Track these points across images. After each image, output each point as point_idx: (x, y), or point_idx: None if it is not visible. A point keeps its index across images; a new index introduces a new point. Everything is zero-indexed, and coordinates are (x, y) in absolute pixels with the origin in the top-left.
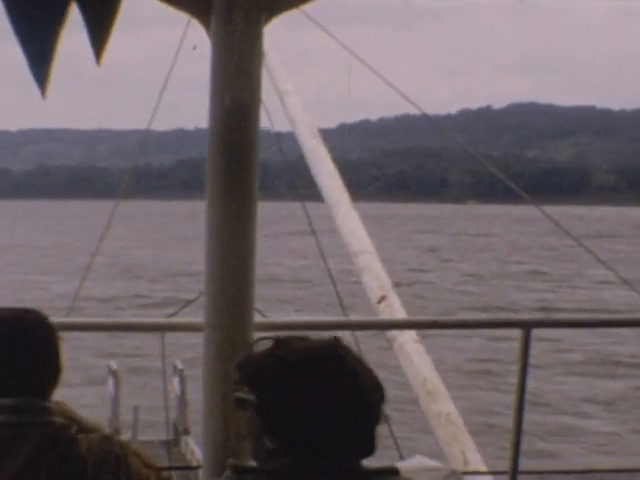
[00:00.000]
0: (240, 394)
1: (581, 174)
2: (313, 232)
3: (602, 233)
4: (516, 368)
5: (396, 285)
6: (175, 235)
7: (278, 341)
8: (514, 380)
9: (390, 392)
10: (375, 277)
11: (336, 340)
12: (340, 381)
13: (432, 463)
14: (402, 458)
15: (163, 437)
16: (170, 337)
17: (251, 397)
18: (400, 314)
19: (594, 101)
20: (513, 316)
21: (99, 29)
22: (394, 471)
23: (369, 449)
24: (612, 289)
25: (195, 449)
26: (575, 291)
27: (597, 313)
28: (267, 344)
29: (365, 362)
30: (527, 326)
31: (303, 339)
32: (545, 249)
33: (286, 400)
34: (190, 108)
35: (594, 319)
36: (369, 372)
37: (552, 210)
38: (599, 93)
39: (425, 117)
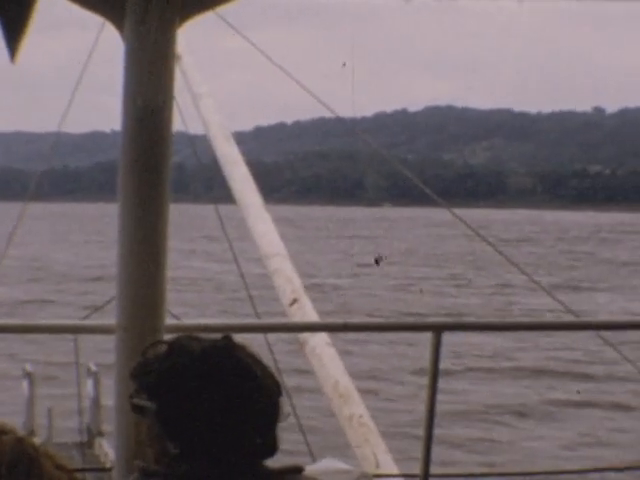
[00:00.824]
0: (138, 401)
1: (497, 177)
2: (225, 234)
3: (523, 237)
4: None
5: (309, 289)
6: (89, 238)
7: (172, 344)
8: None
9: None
10: (287, 280)
11: (230, 340)
12: (237, 381)
13: (343, 465)
14: (314, 460)
15: (77, 439)
16: (91, 340)
17: (149, 404)
18: (312, 317)
19: (511, 104)
20: (424, 319)
21: (14, 27)
22: (297, 470)
23: (271, 448)
24: (527, 294)
25: (109, 451)
26: (493, 297)
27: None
28: (162, 348)
29: (261, 360)
30: (438, 329)
31: (198, 340)
32: (463, 253)
33: (184, 405)
34: (107, 110)
35: (505, 322)
36: (266, 370)
37: (468, 213)
38: (516, 96)
39: (339, 120)
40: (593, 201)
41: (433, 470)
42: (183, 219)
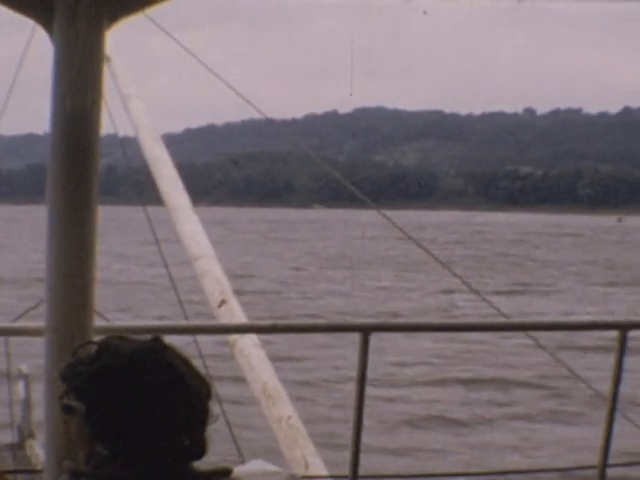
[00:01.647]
0: (67, 402)
1: (429, 179)
2: (154, 236)
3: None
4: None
5: (238, 293)
6: (22, 241)
7: (101, 345)
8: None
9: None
10: (215, 281)
11: (159, 341)
12: (165, 383)
13: (271, 467)
14: (243, 462)
15: (9, 440)
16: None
17: (78, 405)
18: (241, 318)
19: (441, 105)
20: (352, 320)
21: None
22: (226, 472)
23: (199, 450)
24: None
25: (40, 452)
26: (424, 298)
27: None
28: (91, 349)
29: (191, 362)
30: (366, 330)
31: (127, 341)
32: (395, 256)
33: (113, 406)
34: (40, 112)
35: (435, 324)
36: (195, 372)
37: (400, 215)
38: (447, 97)
39: (269, 122)
40: (525, 203)
41: (362, 472)
42: (113, 222)
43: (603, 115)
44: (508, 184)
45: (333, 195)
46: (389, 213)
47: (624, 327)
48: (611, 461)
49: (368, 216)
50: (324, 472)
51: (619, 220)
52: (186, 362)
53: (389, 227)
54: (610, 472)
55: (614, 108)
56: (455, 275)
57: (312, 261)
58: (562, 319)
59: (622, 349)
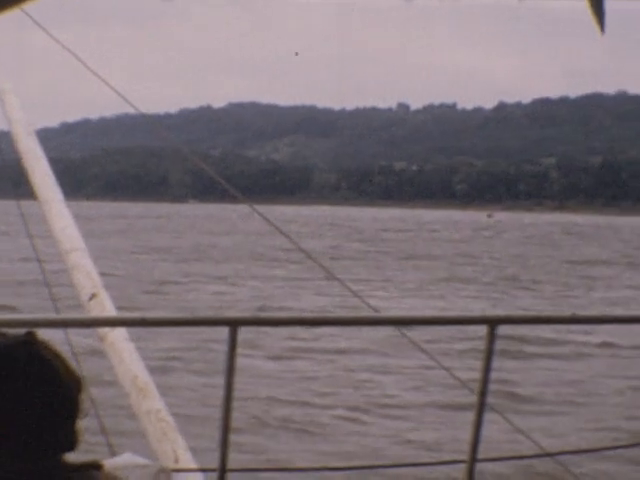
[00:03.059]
0: None
1: (302, 173)
2: (26, 230)
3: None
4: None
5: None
6: None
7: None
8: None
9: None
10: (86, 275)
11: (32, 335)
12: (37, 377)
13: (141, 460)
14: (114, 455)
15: None
16: None
17: None
18: (111, 312)
19: (315, 100)
20: (221, 314)
21: None
22: (97, 466)
23: (70, 444)
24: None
25: None
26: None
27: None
28: None
29: (63, 355)
30: (234, 324)
31: (0, 335)
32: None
33: None
34: None
35: (304, 317)
36: (66, 366)
37: (273, 210)
38: (320, 92)
39: (142, 116)
40: (399, 198)
41: (231, 465)
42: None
43: (478, 110)
44: (382, 179)
45: (207, 190)
46: (263, 208)
47: (493, 322)
48: (480, 456)
49: (240, 210)
50: (194, 465)
51: (489, 216)
52: (58, 356)
53: (263, 221)
54: (479, 467)
55: (489, 104)
56: (321, 266)
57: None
58: (431, 314)
59: (491, 344)
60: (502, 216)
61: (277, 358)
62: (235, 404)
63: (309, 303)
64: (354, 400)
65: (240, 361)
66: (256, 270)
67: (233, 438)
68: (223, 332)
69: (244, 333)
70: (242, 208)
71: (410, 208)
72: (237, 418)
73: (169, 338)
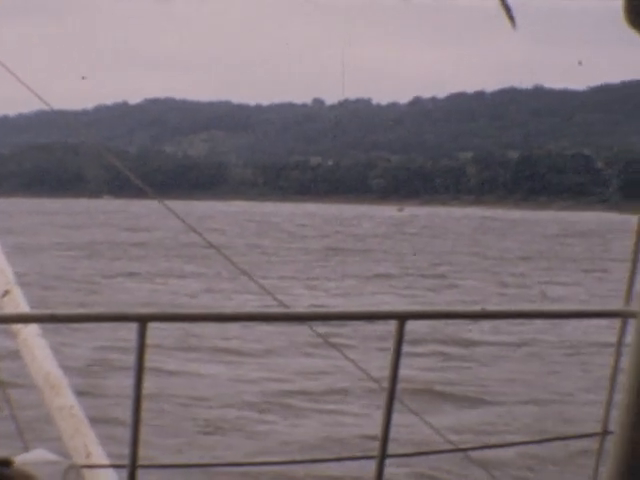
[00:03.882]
0: None
1: (218, 169)
2: None
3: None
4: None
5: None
6: None
7: None
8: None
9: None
10: None
11: None
12: None
13: (52, 456)
14: (26, 451)
15: None
16: None
17: None
18: (24, 309)
19: (231, 96)
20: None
21: None
22: (7, 463)
23: None
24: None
25: None
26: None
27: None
28: None
29: None
30: (143, 320)
31: None
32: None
33: None
34: None
35: (213, 313)
36: None
37: (190, 205)
38: (236, 88)
39: (58, 113)
40: (316, 193)
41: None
42: None
43: (393, 105)
44: (299, 174)
45: (123, 186)
46: (179, 203)
47: (402, 317)
48: (390, 451)
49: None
50: (105, 461)
51: (399, 210)
52: None
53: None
54: (389, 462)
55: (404, 98)
56: (232, 263)
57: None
58: (340, 309)
59: (400, 339)
60: (420, 211)
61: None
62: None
63: (225, 301)
64: (253, 398)
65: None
66: (172, 267)
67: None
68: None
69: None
70: (159, 204)
71: (326, 203)
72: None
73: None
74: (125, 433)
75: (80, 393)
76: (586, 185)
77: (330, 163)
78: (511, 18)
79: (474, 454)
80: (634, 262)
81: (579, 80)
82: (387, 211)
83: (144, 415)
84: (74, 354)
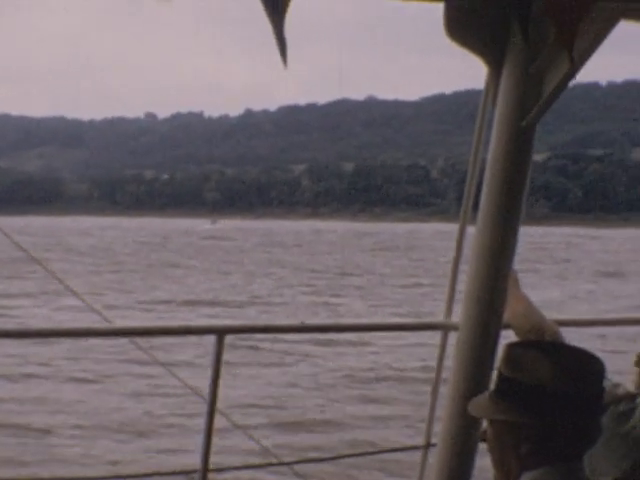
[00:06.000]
0: None
1: (53, 184)
2: None
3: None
4: None
5: None
6: None
7: None
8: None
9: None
10: None
11: None
12: None
13: None
14: None
15: None
16: None
17: None
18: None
19: (64, 111)
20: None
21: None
22: None
23: None
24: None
25: None
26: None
27: None
28: None
29: None
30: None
31: None
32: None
33: None
34: None
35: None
36: None
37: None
38: (70, 104)
39: None
40: (151, 206)
41: None
42: None
43: (224, 118)
44: (134, 188)
45: None
46: (16, 219)
47: (221, 332)
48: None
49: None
50: None
51: (213, 222)
52: None
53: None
54: (211, 477)
55: (235, 111)
56: (56, 278)
57: None
58: (161, 324)
59: (219, 353)
60: (255, 224)
61: None
62: None
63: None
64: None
65: None
66: None
67: None
68: None
69: None
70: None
71: (161, 217)
72: None
73: None
74: None
75: None
76: (424, 196)
77: (165, 176)
78: (284, 55)
79: (297, 467)
80: (454, 274)
81: (412, 91)
82: (229, 224)
83: None
84: None
